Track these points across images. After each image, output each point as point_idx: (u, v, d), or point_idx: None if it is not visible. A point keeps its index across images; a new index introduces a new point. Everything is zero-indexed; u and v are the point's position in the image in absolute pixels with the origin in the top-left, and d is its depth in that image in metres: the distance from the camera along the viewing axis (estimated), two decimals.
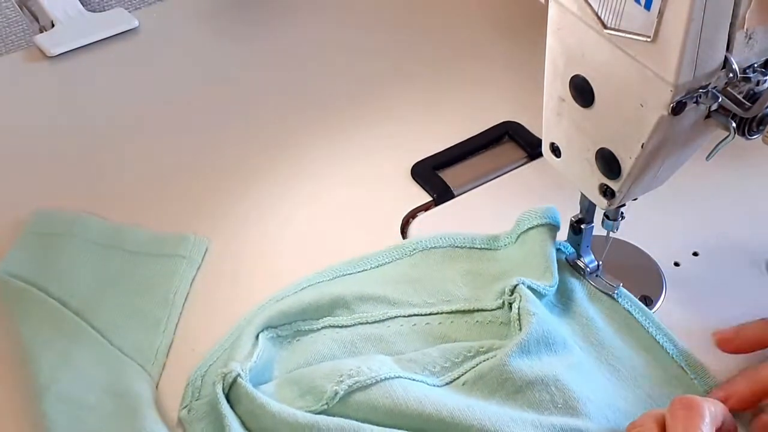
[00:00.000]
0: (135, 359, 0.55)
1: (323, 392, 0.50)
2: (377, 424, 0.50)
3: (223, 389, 0.51)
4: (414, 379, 0.52)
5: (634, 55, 0.44)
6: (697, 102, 0.44)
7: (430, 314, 0.57)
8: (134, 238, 0.63)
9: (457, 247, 0.62)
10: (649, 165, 0.49)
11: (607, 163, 0.50)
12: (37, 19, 0.86)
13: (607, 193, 0.52)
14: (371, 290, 0.58)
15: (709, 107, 0.45)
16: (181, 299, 0.59)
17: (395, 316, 0.57)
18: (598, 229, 0.57)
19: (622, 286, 0.58)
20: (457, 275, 0.60)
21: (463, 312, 0.57)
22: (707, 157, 0.48)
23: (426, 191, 0.67)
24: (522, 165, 0.70)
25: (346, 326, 0.56)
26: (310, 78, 0.80)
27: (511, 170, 0.69)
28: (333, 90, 0.78)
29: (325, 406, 0.50)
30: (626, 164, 0.49)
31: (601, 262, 0.59)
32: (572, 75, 0.49)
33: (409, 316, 0.57)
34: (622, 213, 0.55)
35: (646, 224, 0.61)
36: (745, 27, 0.42)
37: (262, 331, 0.55)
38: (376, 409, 0.50)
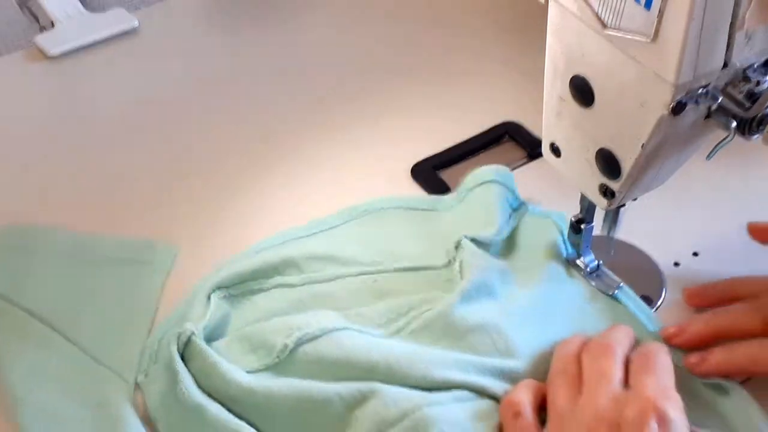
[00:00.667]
0: (111, 368, 0.55)
1: (273, 346, 0.52)
2: (327, 376, 0.51)
3: (178, 349, 0.52)
4: (361, 331, 0.53)
5: (634, 55, 0.44)
6: (697, 102, 0.44)
7: (378, 272, 0.59)
8: (101, 246, 0.63)
9: (405, 208, 0.64)
10: (649, 165, 0.49)
11: (607, 163, 0.50)
12: (37, 19, 0.86)
13: (607, 193, 0.52)
14: (321, 251, 0.60)
15: (709, 107, 0.45)
16: (152, 306, 0.58)
17: (344, 275, 0.59)
18: (598, 229, 0.57)
19: (624, 285, 0.58)
20: (405, 235, 0.62)
21: (411, 269, 0.59)
22: (707, 157, 0.48)
23: (426, 191, 0.67)
24: (522, 165, 0.70)
25: (296, 285, 0.58)
26: (309, 77, 0.80)
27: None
28: (333, 90, 0.78)
29: (276, 360, 0.52)
30: (626, 164, 0.49)
31: (601, 262, 0.59)
32: (572, 75, 0.49)
33: (358, 274, 0.59)
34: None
35: (646, 224, 0.61)
36: (746, 27, 0.42)
37: (214, 291, 0.56)
38: (324, 359, 0.51)
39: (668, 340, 0.53)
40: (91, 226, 0.65)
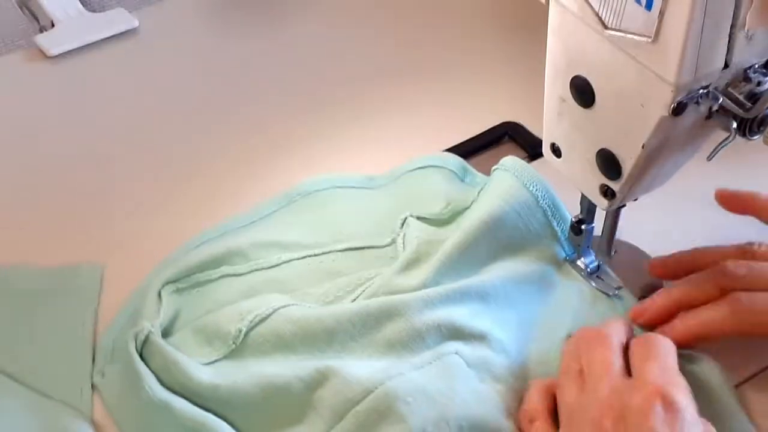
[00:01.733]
0: (62, 399, 0.53)
1: (228, 334, 0.53)
2: (286, 351, 0.52)
3: (136, 348, 0.52)
4: (310, 307, 0.55)
5: (635, 56, 0.44)
6: (697, 102, 0.44)
7: (323, 254, 0.60)
8: (26, 278, 0.61)
9: (338, 187, 0.65)
10: (649, 165, 0.49)
11: (608, 163, 0.50)
12: (37, 19, 0.86)
13: (607, 193, 0.52)
14: (264, 237, 0.61)
15: (710, 108, 0.45)
16: (90, 330, 0.57)
17: (289, 260, 0.60)
18: (598, 229, 0.57)
19: (624, 287, 0.58)
20: (344, 214, 0.63)
21: (355, 249, 0.61)
22: (708, 158, 0.48)
23: None
24: None
25: (243, 273, 0.59)
26: (308, 78, 0.80)
27: (519, 159, 0.69)
28: (332, 90, 0.78)
29: (233, 346, 0.53)
30: (627, 165, 0.49)
31: (601, 262, 0.59)
32: (573, 75, 0.49)
33: (303, 257, 0.60)
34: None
35: (646, 224, 0.61)
36: (746, 27, 0.42)
37: (163, 287, 0.57)
38: (279, 336, 0.52)
39: (634, 320, 0.54)
40: (89, 228, 0.65)
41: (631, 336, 0.50)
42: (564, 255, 0.59)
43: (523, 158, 0.70)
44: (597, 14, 0.45)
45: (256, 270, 0.59)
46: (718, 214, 0.64)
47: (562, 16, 0.48)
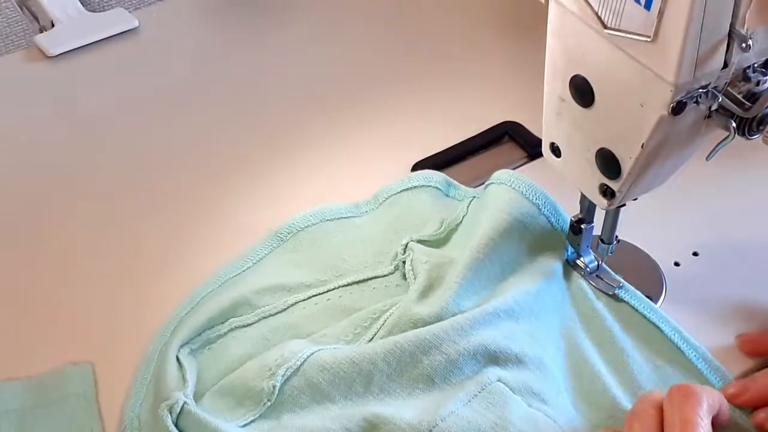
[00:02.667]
0: None
1: (260, 391, 0.51)
2: (323, 400, 0.51)
3: (173, 421, 0.50)
4: (336, 348, 0.53)
5: (634, 55, 0.44)
6: (697, 102, 0.44)
7: (327, 291, 0.59)
8: (9, 396, 0.54)
9: (327, 220, 0.64)
10: (649, 165, 0.49)
11: (607, 163, 0.50)
12: (37, 19, 0.86)
13: (607, 193, 0.52)
14: (265, 282, 0.59)
15: (710, 107, 0.45)
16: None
17: (295, 302, 0.58)
18: (598, 229, 0.57)
19: (622, 285, 0.58)
20: (338, 247, 0.62)
21: (359, 282, 0.60)
22: (707, 157, 0.48)
23: None
24: (522, 165, 0.70)
25: (252, 323, 0.57)
26: (309, 77, 0.80)
27: (512, 170, 0.69)
28: (333, 90, 0.78)
29: (268, 403, 0.51)
30: (626, 164, 0.49)
31: (601, 262, 0.59)
32: (572, 75, 0.49)
33: (309, 297, 0.59)
34: (617, 237, 0.57)
35: (646, 224, 0.61)
36: (746, 27, 0.42)
37: (179, 351, 0.55)
38: (316, 386, 0.51)
39: (731, 400, 0.50)
40: (91, 222, 0.66)
41: (723, 408, 0.48)
42: (564, 256, 0.60)
43: (523, 158, 0.70)
44: (596, 14, 0.45)
45: (265, 318, 0.57)
46: (717, 213, 0.64)
47: (561, 15, 0.48)
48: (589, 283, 0.58)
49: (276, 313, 0.58)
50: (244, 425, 0.50)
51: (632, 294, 0.57)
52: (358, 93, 0.78)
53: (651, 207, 0.58)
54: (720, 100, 0.44)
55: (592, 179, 0.52)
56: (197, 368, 0.54)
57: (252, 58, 0.83)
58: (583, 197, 0.55)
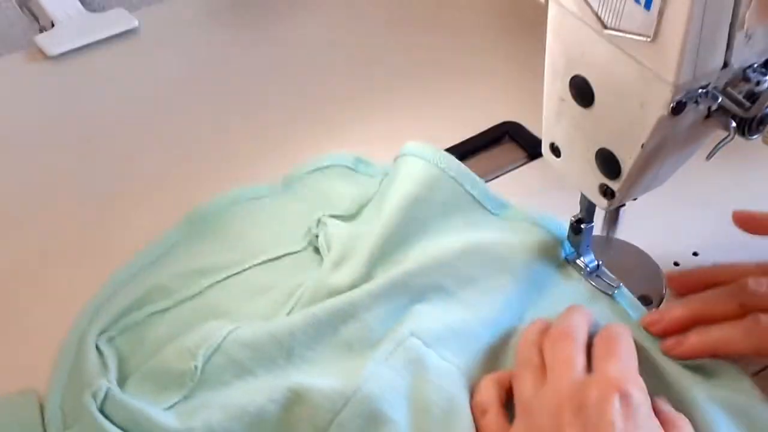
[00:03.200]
0: None
1: (183, 373, 0.51)
2: (246, 375, 0.51)
3: (98, 408, 0.50)
4: (254, 324, 0.54)
5: (634, 55, 0.44)
6: (697, 102, 0.44)
7: (242, 271, 0.60)
8: None
9: (238, 203, 0.65)
10: (649, 165, 0.49)
11: (607, 163, 0.50)
12: (37, 19, 0.86)
13: (607, 193, 0.52)
14: (179, 267, 0.60)
15: (709, 107, 0.45)
16: None
17: (211, 284, 0.59)
18: (598, 229, 0.57)
19: (623, 286, 0.58)
20: (249, 229, 0.63)
21: (273, 260, 0.61)
22: (707, 157, 0.48)
23: None
24: (522, 165, 0.70)
25: (169, 308, 0.58)
26: (308, 77, 0.80)
27: (511, 170, 0.69)
28: (332, 90, 0.78)
29: (192, 384, 0.51)
30: (626, 164, 0.49)
31: (601, 262, 0.59)
32: (572, 75, 0.49)
33: (224, 278, 0.59)
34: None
35: (646, 224, 0.61)
36: (746, 27, 0.42)
37: (98, 338, 0.55)
38: (238, 362, 0.52)
39: (648, 328, 0.54)
40: (91, 221, 0.66)
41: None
42: (564, 254, 0.60)
43: (523, 158, 0.70)
44: (596, 14, 0.45)
45: (181, 301, 0.58)
46: (717, 213, 0.64)
47: (561, 15, 0.48)
48: (589, 283, 0.58)
49: (192, 297, 0.58)
50: (170, 407, 0.51)
51: (627, 299, 0.57)
52: (358, 94, 0.78)
53: (651, 207, 0.58)
54: (720, 100, 0.44)
55: (592, 179, 0.52)
56: (117, 356, 0.55)
57: (252, 58, 0.83)
58: (583, 197, 0.55)
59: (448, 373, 0.51)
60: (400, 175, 0.61)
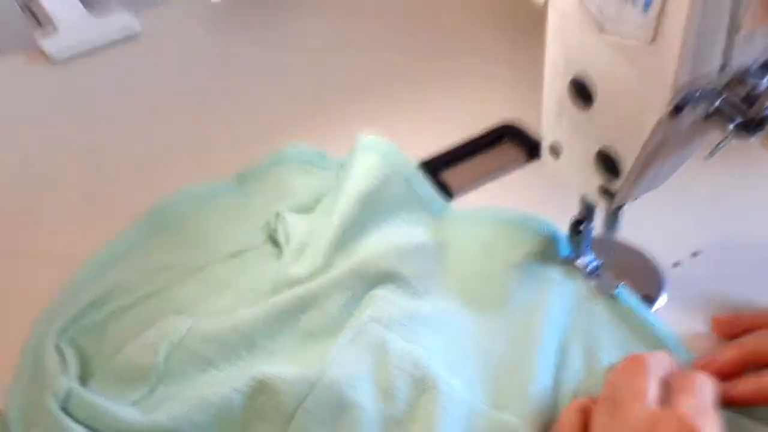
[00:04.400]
0: None
1: (146, 369, 0.52)
2: (208, 367, 0.52)
3: (60, 407, 0.50)
4: (215, 318, 0.55)
5: (634, 57, 0.44)
6: (696, 103, 0.44)
7: (203, 267, 0.61)
8: None
9: (195, 200, 0.65)
10: (649, 165, 0.49)
11: (607, 163, 0.50)
12: (39, 22, 0.87)
13: (607, 193, 0.52)
14: (140, 265, 0.60)
15: (708, 108, 0.45)
16: None
17: (173, 280, 0.60)
18: (598, 229, 0.57)
19: (623, 285, 0.58)
20: (208, 225, 0.63)
21: (233, 255, 0.61)
22: (707, 157, 0.48)
23: None
24: (522, 165, 0.70)
25: (131, 305, 0.58)
26: (309, 80, 0.80)
27: (511, 170, 0.69)
28: (332, 92, 0.78)
29: (155, 379, 0.52)
30: (626, 165, 0.49)
31: (601, 262, 0.59)
32: (572, 75, 0.49)
33: (185, 275, 0.60)
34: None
35: (646, 224, 0.61)
36: (744, 28, 0.42)
37: (58, 340, 0.55)
38: (200, 355, 0.53)
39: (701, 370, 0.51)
40: (90, 221, 0.66)
41: (673, 368, 0.49)
42: (564, 254, 0.60)
43: (522, 158, 0.71)
44: (595, 16, 0.45)
45: (142, 299, 0.58)
46: (717, 213, 0.64)
47: (561, 17, 0.48)
48: (589, 283, 0.58)
49: (153, 294, 0.59)
50: (134, 403, 0.51)
51: (629, 297, 0.57)
52: (357, 94, 0.78)
53: (651, 207, 0.58)
54: (719, 101, 0.44)
55: (592, 179, 0.52)
56: (80, 355, 0.55)
57: (253, 61, 0.83)
58: (583, 197, 0.56)
59: (411, 354, 0.52)
60: (356, 169, 0.62)
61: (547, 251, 0.60)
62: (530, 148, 0.70)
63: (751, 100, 0.45)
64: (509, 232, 0.60)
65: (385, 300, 0.55)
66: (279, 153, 0.68)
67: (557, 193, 0.60)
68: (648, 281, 0.59)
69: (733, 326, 0.55)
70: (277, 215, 0.63)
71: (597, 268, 0.59)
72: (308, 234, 0.60)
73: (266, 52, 0.84)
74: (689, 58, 0.42)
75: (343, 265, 0.57)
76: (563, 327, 0.56)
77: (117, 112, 0.78)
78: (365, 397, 0.50)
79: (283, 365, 0.51)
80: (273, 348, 0.54)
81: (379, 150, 0.63)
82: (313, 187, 0.65)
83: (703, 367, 0.52)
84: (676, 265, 0.61)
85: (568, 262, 0.60)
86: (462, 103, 0.76)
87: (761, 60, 0.45)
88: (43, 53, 0.83)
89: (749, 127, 0.46)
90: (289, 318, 0.54)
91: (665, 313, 0.57)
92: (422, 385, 0.51)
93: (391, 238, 0.59)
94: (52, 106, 0.79)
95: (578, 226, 0.58)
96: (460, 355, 0.54)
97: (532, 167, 0.69)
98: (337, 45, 0.84)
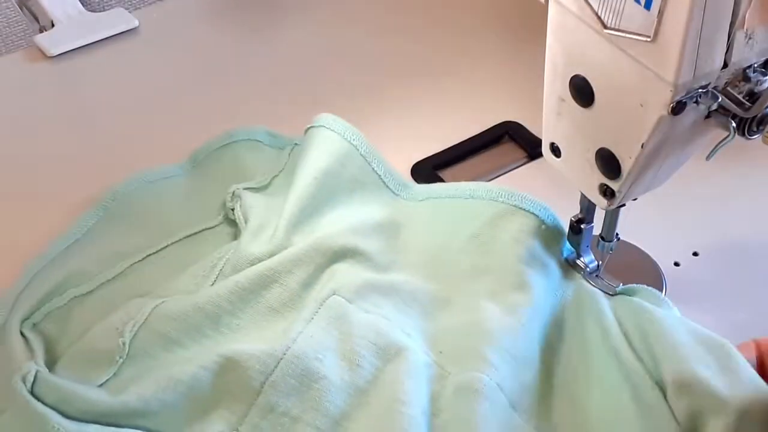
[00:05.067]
0: None
1: (111, 351, 0.52)
2: (174, 346, 0.53)
3: (29, 390, 0.50)
4: (178, 298, 0.55)
5: (634, 55, 0.44)
6: (697, 102, 0.44)
7: (161, 249, 0.61)
8: None
9: (149, 182, 0.65)
10: (649, 165, 0.49)
11: (607, 163, 0.50)
12: (37, 19, 0.86)
13: (607, 193, 0.52)
14: (97, 250, 0.60)
15: (709, 107, 0.45)
16: None
17: (131, 264, 0.60)
18: (597, 228, 0.57)
19: (622, 285, 0.58)
20: (164, 207, 0.63)
21: (190, 236, 0.62)
22: (707, 157, 0.48)
23: None
24: (522, 165, 0.70)
25: (92, 291, 0.58)
26: (308, 77, 0.80)
27: (511, 170, 0.69)
28: (332, 90, 0.78)
29: (121, 361, 0.52)
30: (626, 164, 0.49)
31: (601, 263, 0.59)
32: (572, 75, 0.49)
33: (144, 258, 0.60)
34: (617, 235, 0.57)
35: (646, 224, 0.61)
36: (745, 27, 0.42)
37: (22, 325, 0.55)
38: (165, 335, 0.53)
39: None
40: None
41: None
42: (564, 254, 0.59)
43: (523, 158, 0.70)
44: (596, 14, 0.45)
45: (103, 284, 0.58)
46: (717, 213, 0.64)
47: (561, 15, 0.48)
48: (589, 283, 0.58)
49: (114, 278, 0.59)
50: (102, 385, 0.52)
51: (648, 293, 0.56)
52: (356, 92, 0.77)
53: (651, 207, 0.58)
54: (720, 100, 0.44)
55: (592, 179, 0.52)
56: (45, 340, 0.55)
57: (251, 58, 0.83)
58: (583, 197, 0.55)
59: (374, 324, 0.53)
60: (313, 146, 0.62)
61: (506, 220, 0.59)
62: (530, 148, 0.70)
63: (751, 98, 0.45)
64: (471, 205, 0.60)
65: (346, 273, 0.56)
66: (229, 133, 0.69)
67: (557, 192, 0.60)
68: (648, 281, 0.59)
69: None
70: (233, 195, 0.63)
71: (597, 268, 0.59)
72: (266, 212, 0.61)
73: (264, 49, 0.84)
74: (690, 57, 0.42)
75: (303, 242, 0.57)
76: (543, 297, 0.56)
77: (114, 108, 0.77)
78: (331, 368, 0.50)
79: (248, 342, 0.52)
80: (237, 325, 0.54)
81: (336, 128, 0.63)
82: (266, 165, 0.66)
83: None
84: (676, 265, 0.60)
85: (569, 263, 0.59)
86: (462, 102, 0.76)
87: (762, 59, 0.45)
88: (40, 49, 0.83)
89: (750, 126, 0.46)
90: (251, 295, 0.55)
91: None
92: (386, 354, 0.52)
93: (347, 218, 0.59)
94: (49, 102, 0.79)
95: (578, 226, 0.57)
96: (420, 321, 0.54)
97: (532, 167, 0.69)
98: (337, 44, 0.84)
